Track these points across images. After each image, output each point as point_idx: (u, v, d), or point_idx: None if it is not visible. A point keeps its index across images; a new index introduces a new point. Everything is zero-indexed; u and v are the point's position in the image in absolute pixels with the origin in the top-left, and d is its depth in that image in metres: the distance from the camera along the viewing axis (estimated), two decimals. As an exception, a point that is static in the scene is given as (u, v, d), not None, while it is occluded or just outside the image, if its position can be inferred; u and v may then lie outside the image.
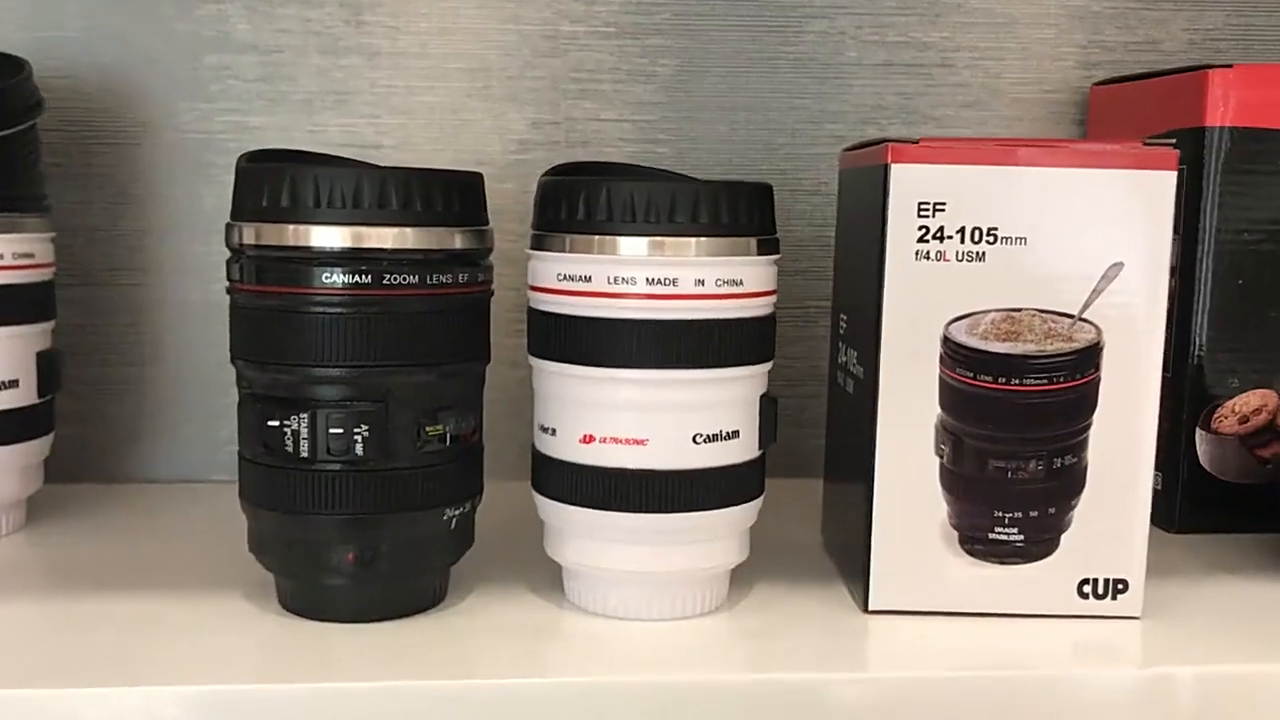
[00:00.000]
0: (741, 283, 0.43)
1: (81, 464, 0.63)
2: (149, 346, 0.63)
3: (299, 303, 0.42)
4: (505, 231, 0.62)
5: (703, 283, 0.43)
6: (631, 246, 0.42)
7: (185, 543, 0.54)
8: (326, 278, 0.41)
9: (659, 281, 0.42)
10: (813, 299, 0.66)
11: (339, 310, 0.42)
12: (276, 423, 0.42)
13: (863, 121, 0.65)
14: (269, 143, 0.62)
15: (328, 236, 0.41)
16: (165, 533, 0.56)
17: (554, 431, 0.45)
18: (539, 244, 0.45)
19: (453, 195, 0.43)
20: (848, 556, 0.49)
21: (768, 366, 0.45)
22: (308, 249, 0.41)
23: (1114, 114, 0.63)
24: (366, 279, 0.41)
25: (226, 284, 0.44)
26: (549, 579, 0.48)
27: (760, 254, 0.44)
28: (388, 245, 0.42)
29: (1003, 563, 0.46)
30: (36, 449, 0.54)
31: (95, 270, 0.63)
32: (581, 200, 0.43)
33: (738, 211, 0.43)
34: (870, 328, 0.45)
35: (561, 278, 0.44)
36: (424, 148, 0.63)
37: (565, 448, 0.44)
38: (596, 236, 0.43)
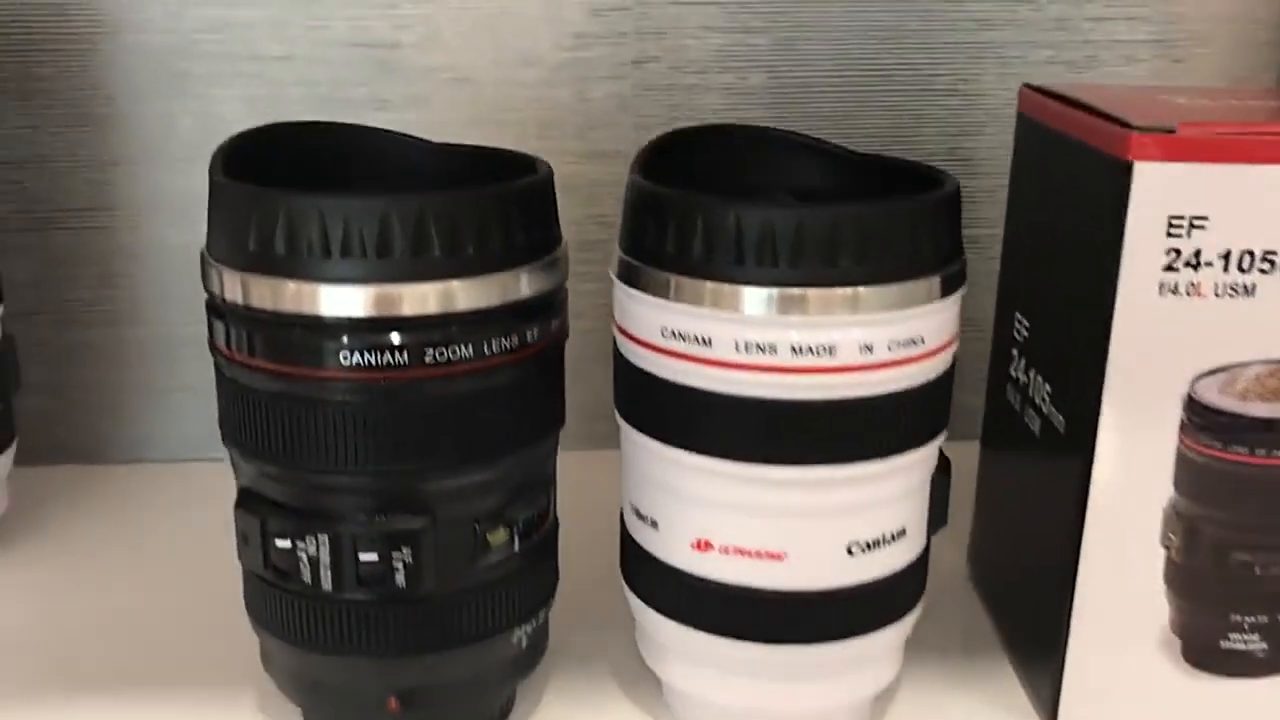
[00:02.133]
0: (923, 340, 0.31)
1: (54, 441, 0.52)
2: (125, 303, 0.51)
3: (308, 389, 0.30)
4: (562, 153, 0.50)
5: (870, 349, 0.30)
6: (769, 302, 0.30)
7: (183, 549, 0.44)
8: (345, 358, 0.29)
9: (810, 351, 0.30)
10: (943, 227, 0.53)
11: (363, 399, 0.30)
12: (288, 543, 0.31)
13: (1017, 0, 0.50)
14: (257, 44, 0.49)
15: (345, 301, 0.29)
16: (159, 532, 0.46)
17: (655, 524, 0.34)
18: (632, 277, 0.32)
19: (516, 216, 0.31)
20: (1024, 637, 0.38)
21: (944, 433, 0.34)
22: (317, 318, 0.29)
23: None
24: (401, 358, 0.29)
25: (209, 344, 0.32)
26: (637, 672, 0.37)
27: (946, 294, 0.32)
28: (430, 310, 0.29)
29: (1238, 678, 0.35)
30: (-7, 470, 0.43)
31: (51, 210, 0.50)
32: (697, 230, 0.30)
33: (920, 240, 0.31)
34: (1085, 374, 0.33)
35: (669, 334, 0.31)
36: (454, 45, 0.49)
37: (671, 550, 0.33)
38: (717, 285, 0.30)
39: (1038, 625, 0.37)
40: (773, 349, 0.30)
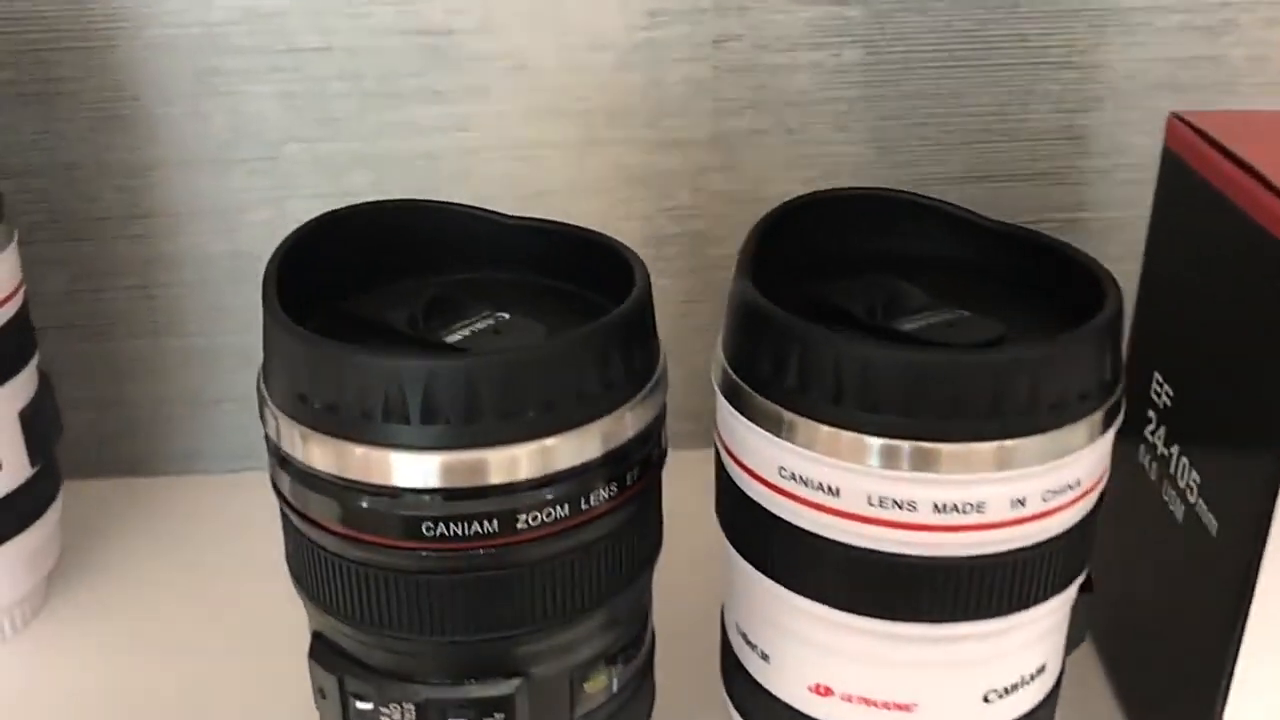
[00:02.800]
0: (1078, 484, 0.27)
1: (100, 456, 0.49)
2: (163, 315, 0.48)
3: (384, 557, 0.26)
4: (633, 142, 0.45)
5: (1022, 503, 0.27)
6: (909, 457, 0.26)
7: (239, 564, 0.42)
8: (427, 529, 0.26)
9: (955, 509, 0.26)
10: (1053, 209, 0.48)
11: (448, 571, 0.26)
12: (370, 706, 0.28)
13: (1147, -37, 0.44)
14: (292, 35, 0.44)
15: (423, 471, 0.25)
16: (214, 548, 0.45)
17: (766, 657, 0.30)
18: (743, 403, 0.28)
19: (615, 352, 0.27)
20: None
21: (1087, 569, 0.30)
22: (391, 488, 0.26)
23: None
24: (490, 527, 0.26)
25: (270, 479, 0.29)
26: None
27: (1105, 429, 0.28)
28: (521, 476, 0.26)
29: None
30: (39, 533, 0.41)
31: (80, 220, 0.46)
32: (825, 369, 0.26)
33: (1084, 378, 0.26)
34: (1250, 496, 0.29)
35: (789, 475, 0.28)
36: (512, 28, 0.44)
37: (786, 687, 0.30)
38: (849, 435, 0.26)
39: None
40: (911, 506, 0.26)
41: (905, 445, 0.26)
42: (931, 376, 0.25)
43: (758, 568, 0.29)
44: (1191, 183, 0.33)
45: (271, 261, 0.28)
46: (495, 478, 0.25)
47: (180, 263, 0.47)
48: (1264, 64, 0.46)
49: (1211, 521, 0.31)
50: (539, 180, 0.46)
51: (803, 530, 0.28)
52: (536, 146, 0.46)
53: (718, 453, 0.31)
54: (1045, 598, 0.28)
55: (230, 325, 0.48)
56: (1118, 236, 0.48)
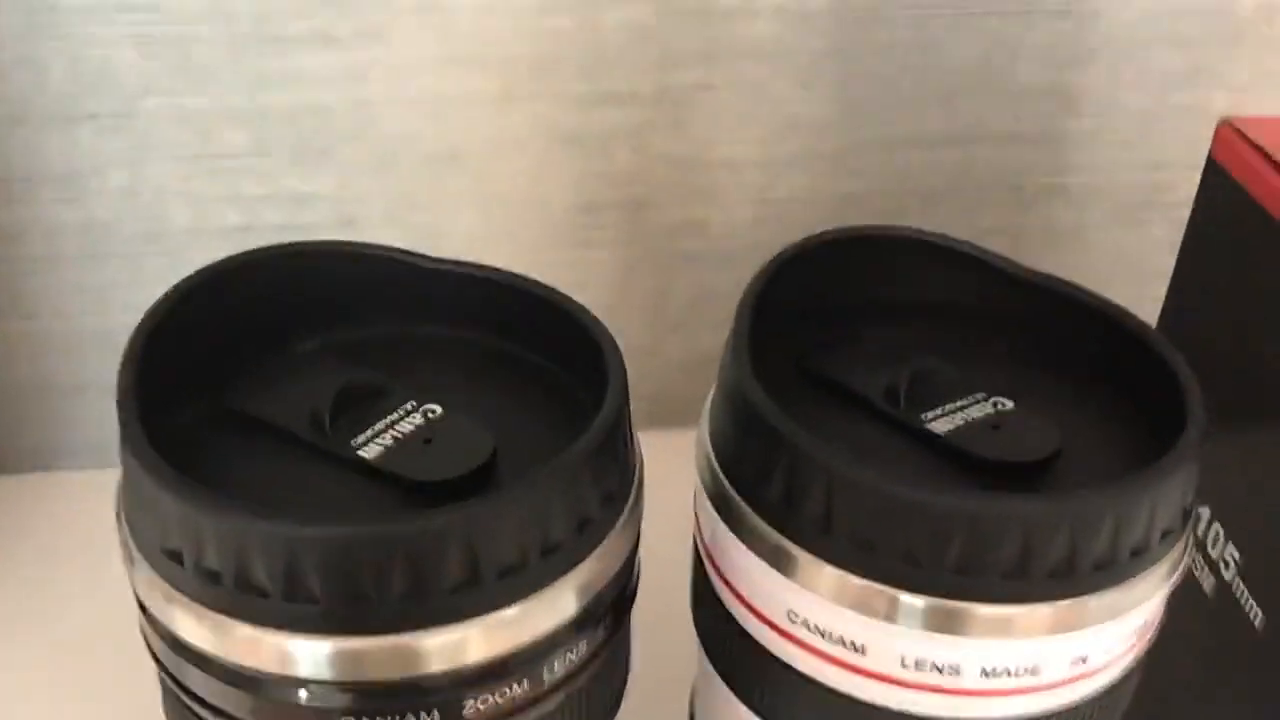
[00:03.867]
0: (1150, 624, 0.23)
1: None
2: (6, 294, 0.40)
3: None
4: (562, 97, 0.39)
5: (1084, 660, 0.22)
6: (954, 618, 0.21)
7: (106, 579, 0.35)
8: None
9: (1003, 673, 0.22)
10: (1035, 172, 0.43)
11: None
12: None
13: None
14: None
15: (329, 659, 0.20)
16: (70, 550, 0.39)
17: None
18: (738, 523, 0.23)
19: (590, 474, 0.21)
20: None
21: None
22: (293, 679, 0.20)
23: None
24: (432, 718, 0.20)
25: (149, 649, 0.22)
26: None
27: (1182, 560, 0.23)
28: (464, 662, 0.20)
29: None
30: None
31: (-110, 187, 0.38)
32: (835, 500, 0.21)
33: (1164, 511, 0.22)
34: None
35: (800, 621, 0.22)
36: (421, -38, 0.37)
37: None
38: (878, 588, 0.21)
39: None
40: (954, 670, 0.21)
41: (951, 605, 0.21)
42: (991, 530, 0.20)
43: (759, 714, 0.24)
44: (1236, 198, 0.28)
45: (131, 344, 0.22)
46: (436, 665, 0.20)
47: (21, 235, 0.39)
48: (1274, 13, 0.41)
49: (1256, 612, 0.27)
50: (450, 139, 0.39)
51: (820, 685, 0.23)
52: (447, 101, 0.39)
53: (698, 556, 0.25)
54: (1095, 746, 0.24)
55: (87, 305, 0.40)
56: (1098, 203, 0.43)
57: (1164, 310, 0.32)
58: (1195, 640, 0.30)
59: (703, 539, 0.25)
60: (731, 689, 0.25)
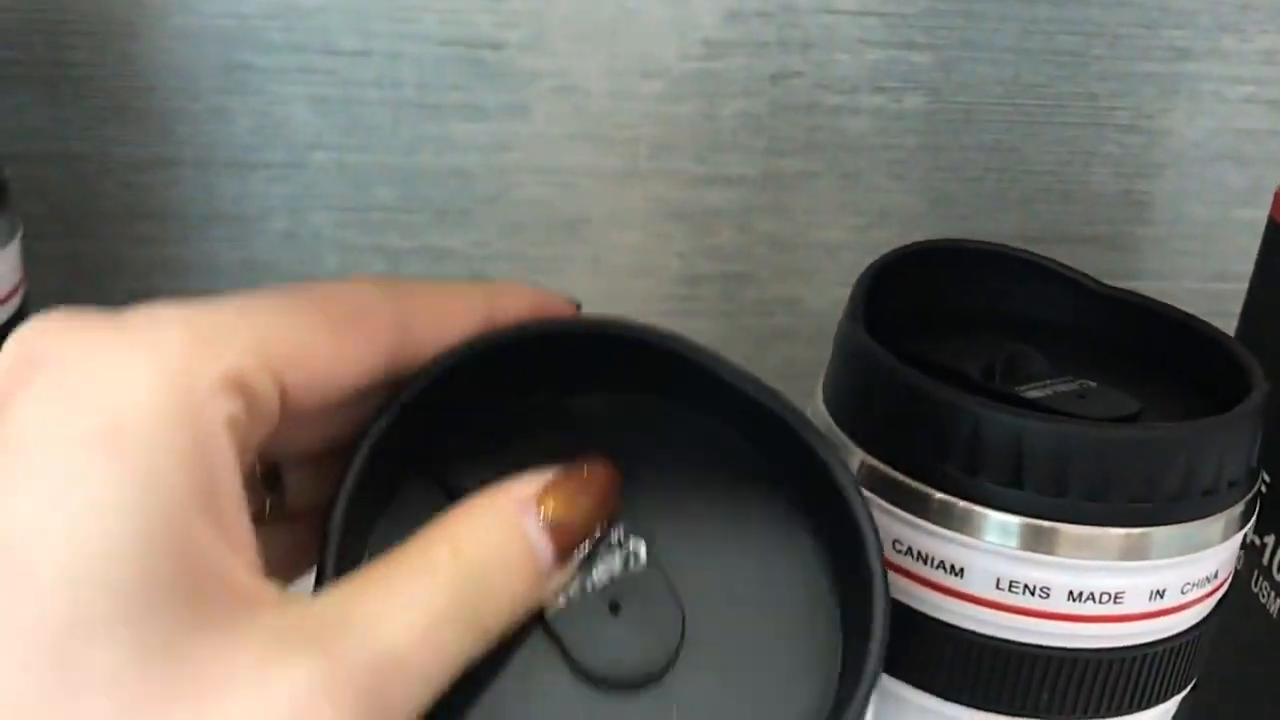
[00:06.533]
0: (1217, 574, 0.25)
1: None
2: (166, 324, 0.44)
3: None
4: (678, 176, 0.43)
5: (1161, 595, 0.24)
6: (1041, 537, 0.24)
7: None
8: None
9: (1088, 598, 0.24)
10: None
11: None
12: None
13: (1219, 28, 0.43)
14: (331, 35, 0.41)
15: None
16: None
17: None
18: (854, 465, 0.26)
19: None
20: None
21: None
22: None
23: None
24: None
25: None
26: None
27: (1245, 521, 0.25)
28: None
29: None
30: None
31: (82, 217, 0.43)
32: (955, 436, 0.24)
33: (1233, 461, 0.24)
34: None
35: (906, 551, 0.25)
36: (562, 48, 0.42)
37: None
38: (974, 507, 0.24)
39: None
40: (1045, 592, 0.24)
41: (1045, 525, 0.24)
42: (1082, 451, 0.23)
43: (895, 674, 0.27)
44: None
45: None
46: None
47: (186, 269, 0.44)
48: (1328, 140, 0.45)
49: (1318, 621, 0.29)
50: (575, 208, 0.44)
51: (919, 613, 0.25)
52: (575, 173, 0.43)
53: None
54: (1172, 694, 0.26)
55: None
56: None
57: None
58: (1263, 665, 0.32)
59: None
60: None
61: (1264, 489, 0.32)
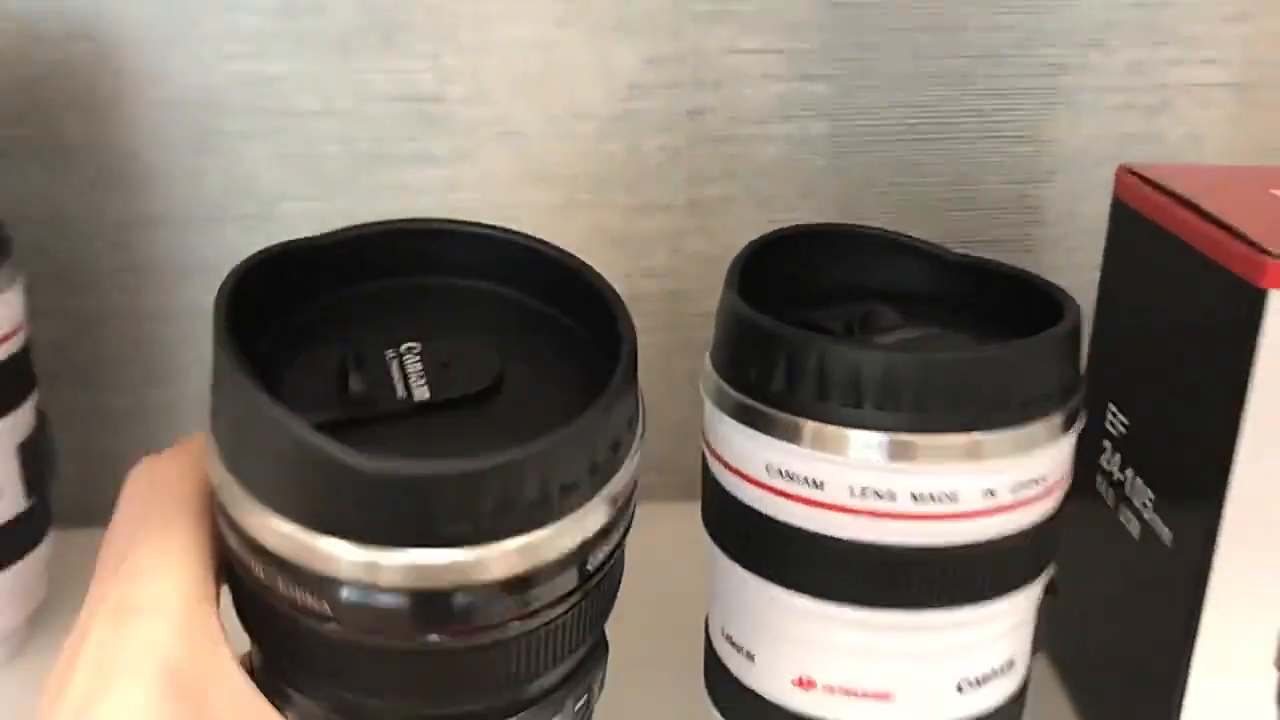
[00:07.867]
0: (1044, 479, 0.29)
1: (85, 506, 0.50)
2: (142, 367, 0.49)
3: None
4: (613, 206, 0.47)
5: (993, 494, 0.29)
6: (888, 448, 0.28)
7: None
8: None
9: (929, 498, 0.28)
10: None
11: None
12: None
13: (1087, 44, 0.48)
14: (291, 98, 0.46)
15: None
16: None
17: (751, 656, 0.32)
18: (733, 407, 0.30)
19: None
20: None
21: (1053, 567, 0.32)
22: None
23: None
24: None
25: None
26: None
27: (1066, 430, 0.30)
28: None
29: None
30: (30, 566, 0.41)
31: (74, 271, 0.48)
32: (811, 370, 0.28)
33: (1046, 379, 0.29)
34: (1200, 499, 0.31)
35: (775, 472, 0.29)
36: (502, 97, 0.47)
37: (770, 684, 0.32)
38: (833, 429, 0.28)
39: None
40: (891, 495, 0.28)
41: (884, 437, 0.28)
42: (908, 374, 0.27)
43: (747, 566, 0.31)
44: (1142, 228, 0.36)
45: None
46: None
47: (170, 316, 0.48)
48: (1199, 142, 0.50)
49: (1167, 535, 0.33)
50: (522, 242, 0.49)
51: (789, 526, 0.29)
52: (521, 208, 0.48)
53: (705, 461, 0.32)
54: (1014, 588, 0.30)
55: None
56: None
57: (1094, 328, 0.39)
58: (1125, 577, 0.36)
59: (708, 446, 0.32)
60: (728, 553, 0.31)
61: (1124, 429, 0.36)
